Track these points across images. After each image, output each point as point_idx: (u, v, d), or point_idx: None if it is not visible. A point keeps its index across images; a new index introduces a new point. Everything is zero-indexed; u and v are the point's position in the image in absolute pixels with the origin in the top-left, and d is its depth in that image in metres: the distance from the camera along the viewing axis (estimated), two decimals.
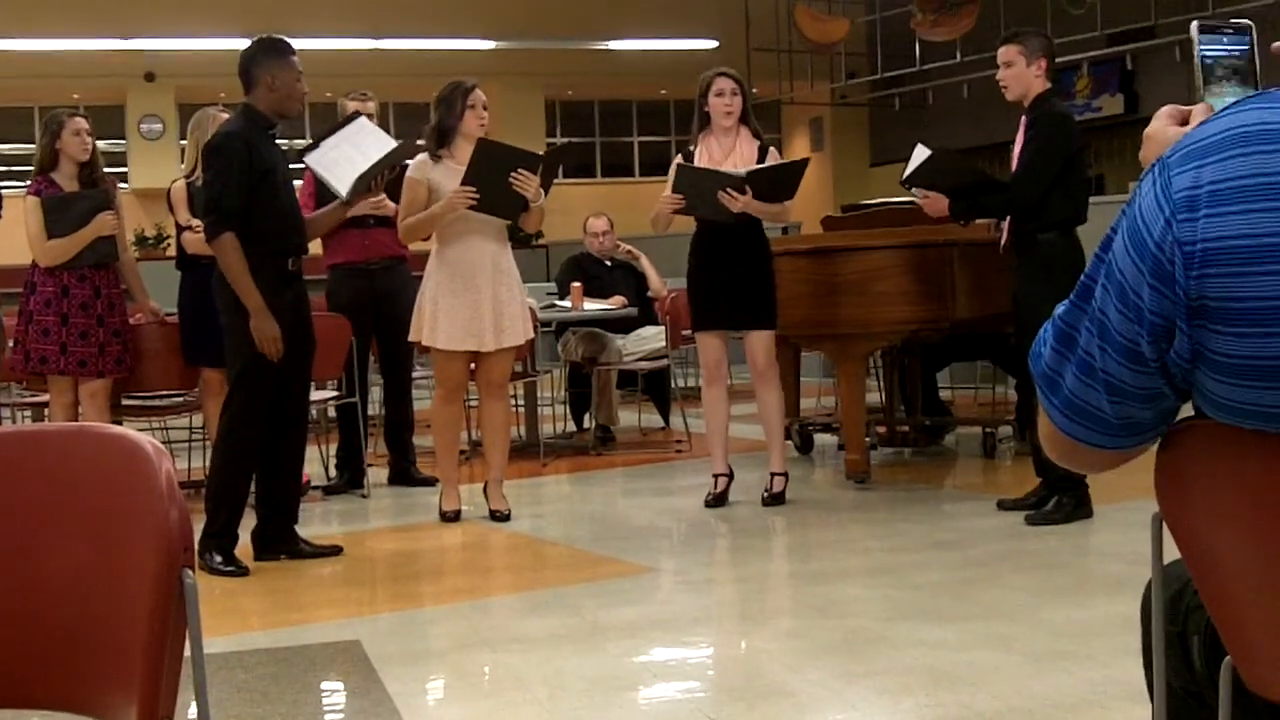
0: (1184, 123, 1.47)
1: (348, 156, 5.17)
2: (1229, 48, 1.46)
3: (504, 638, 4.03)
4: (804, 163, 5.83)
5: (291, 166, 5.21)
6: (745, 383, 6.24)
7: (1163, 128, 1.47)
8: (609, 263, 8.41)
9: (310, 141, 5.35)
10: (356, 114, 5.49)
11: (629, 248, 8.57)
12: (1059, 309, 1.44)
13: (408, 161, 5.70)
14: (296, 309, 5.06)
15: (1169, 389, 1.37)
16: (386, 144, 5.23)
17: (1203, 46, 1.45)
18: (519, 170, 5.52)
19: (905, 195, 6.52)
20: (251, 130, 4.98)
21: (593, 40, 18.71)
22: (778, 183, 5.74)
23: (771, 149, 5.89)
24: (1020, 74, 5.31)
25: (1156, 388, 1.37)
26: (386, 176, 5.23)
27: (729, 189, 5.63)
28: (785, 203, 5.77)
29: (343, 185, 5.14)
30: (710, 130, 5.89)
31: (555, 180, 5.93)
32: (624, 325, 8.16)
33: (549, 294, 8.46)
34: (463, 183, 5.49)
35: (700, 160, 5.87)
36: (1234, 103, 1.33)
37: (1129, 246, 1.32)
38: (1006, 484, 6.15)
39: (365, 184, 5.16)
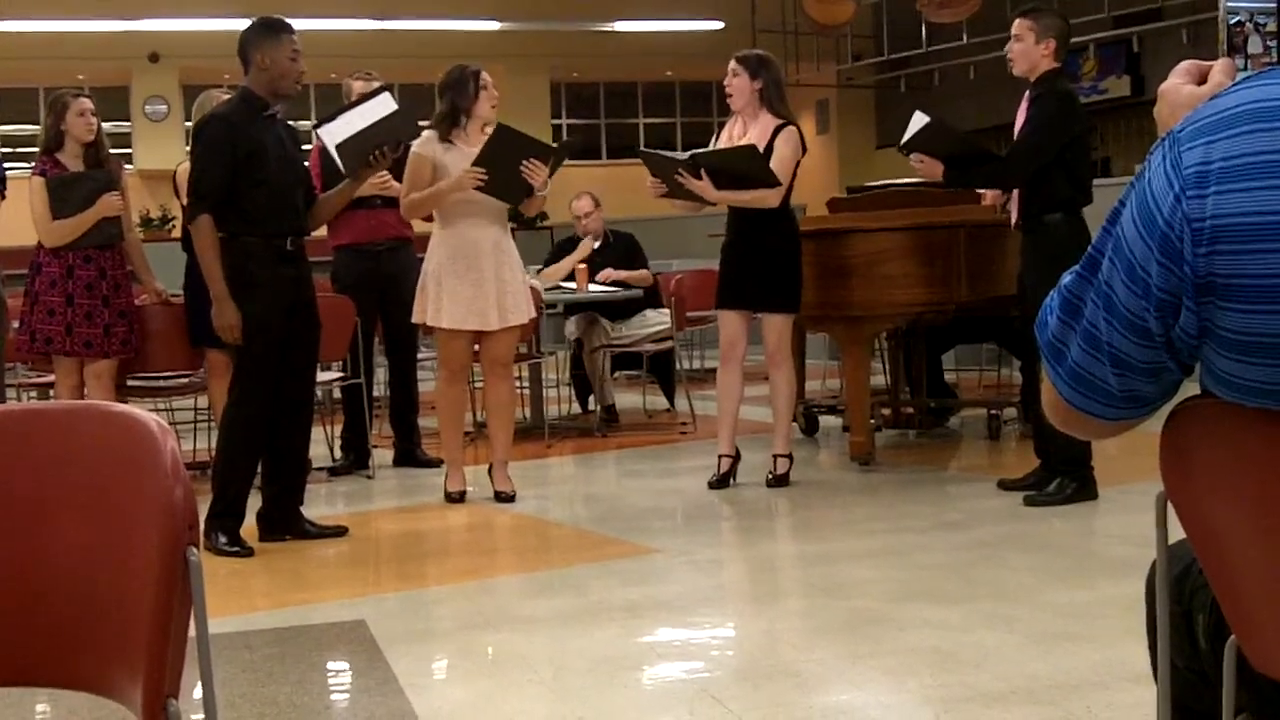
0: (1202, 80, 1.46)
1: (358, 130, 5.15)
2: (1254, 5, 1.45)
3: (509, 618, 4.04)
4: (749, 148, 5.69)
5: (304, 147, 5.19)
6: (754, 364, 6.23)
7: (1177, 86, 1.46)
8: (597, 244, 8.36)
9: (329, 115, 5.32)
10: (383, 88, 5.44)
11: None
12: (1065, 278, 1.44)
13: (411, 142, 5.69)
14: (296, 289, 5.06)
15: (1174, 363, 1.37)
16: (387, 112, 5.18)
17: (1229, 3, 1.44)
18: (531, 159, 5.54)
19: (911, 177, 6.51)
20: (240, 112, 4.99)
21: (598, 22, 18.67)
22: (733, 166, 5.71)
23: (786, 130, 5.80)
24: (1027, 50, 5.31)
25: (1161, 362, 1.37)
26: (391, 155, 5.20)
27: (681, 172, 5.69)
28: (761, 191, 5.69)
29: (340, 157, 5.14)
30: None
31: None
32: (628, 308, 8.15)
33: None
34: (475, 163, 5.51)
35: (719, 141, 5.93)
36: (1247, 77, 1.32)
37: (1138, 221, 1.32)
38: (1011, 466, 6.14)
39: (359, 154, 5.11)
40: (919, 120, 5.57)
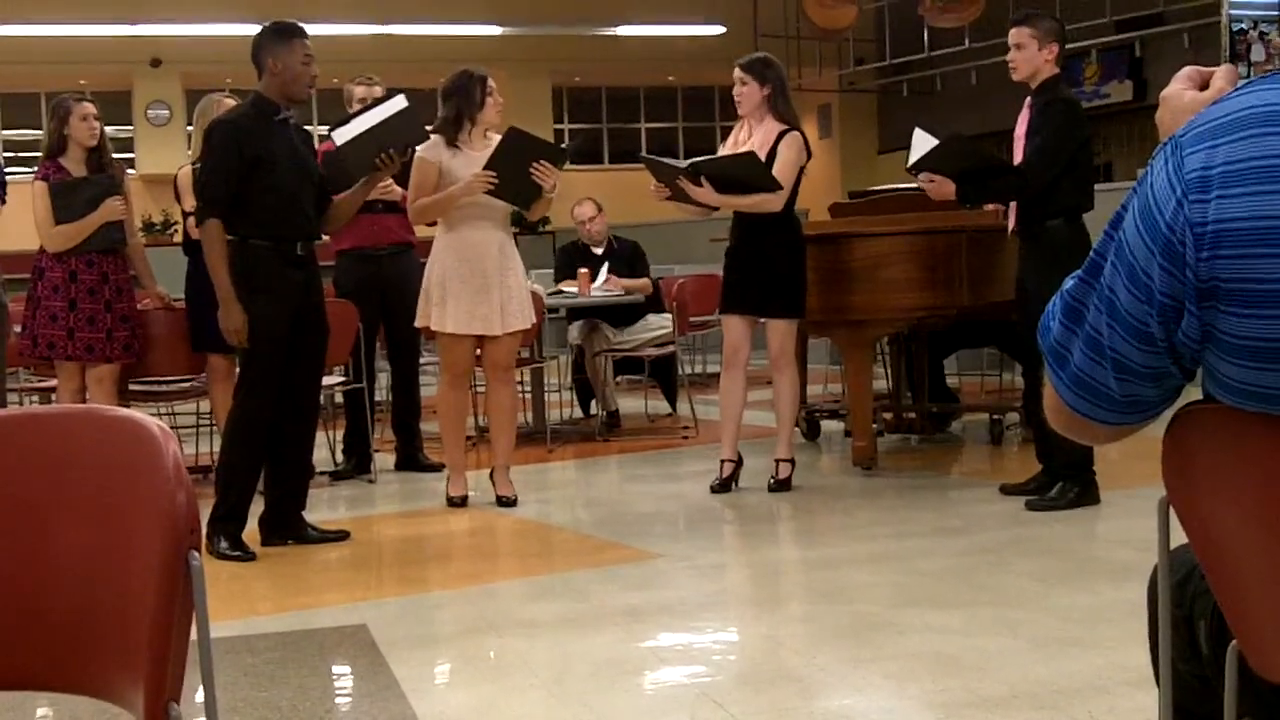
0: (1204, 86, 1.46)
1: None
2: (1258, 11, 1.46)
3: (510, 622, 4.04)
4: (749, 155, 5.71)
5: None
6: (757, 369, 6.23)
7: (1179, 91, 1.46)
8: (598, 250, 8.36)
9: (344, 118, 5.33)
10: (394, 93, 5.45)
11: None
12: (1067, 283, 1.44)
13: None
14: (304, 293, 5.06)
15: (1176, 368, 1.37)
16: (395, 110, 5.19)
17: (1233, 10, 1.45)
18: (541, 161, 5.55)
19: (913, 182, 6.51)
20: (250, 117, 5.00)
21: (600, 26, 18.67)
22: (733, 173, 5.72)
23: (790, 135, 5.79)
24: (1030, 57, 5.31)
25: (1163, 366, 1.37)
26: (400, 159, 5.20)
27: (682, 177, 5.71)
28: (764, 195, 5.69)
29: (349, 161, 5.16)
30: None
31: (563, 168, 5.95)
32: (630, 313, 8.14)
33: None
34: (486, 167, 5.52)
35: (726, 146, 5.95)
36: (1249, 81, 1.32)
37: (1140, 226, 1.32)
38: (1013, 470, 6.14)
39: (365, 155, 5.11)
40: (922, 139, 5.53)
